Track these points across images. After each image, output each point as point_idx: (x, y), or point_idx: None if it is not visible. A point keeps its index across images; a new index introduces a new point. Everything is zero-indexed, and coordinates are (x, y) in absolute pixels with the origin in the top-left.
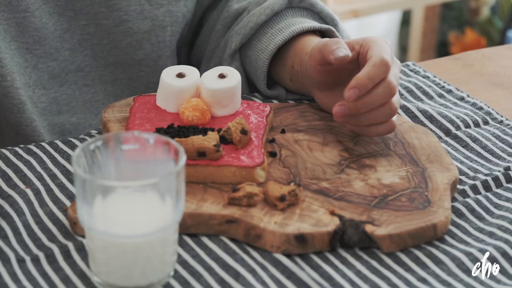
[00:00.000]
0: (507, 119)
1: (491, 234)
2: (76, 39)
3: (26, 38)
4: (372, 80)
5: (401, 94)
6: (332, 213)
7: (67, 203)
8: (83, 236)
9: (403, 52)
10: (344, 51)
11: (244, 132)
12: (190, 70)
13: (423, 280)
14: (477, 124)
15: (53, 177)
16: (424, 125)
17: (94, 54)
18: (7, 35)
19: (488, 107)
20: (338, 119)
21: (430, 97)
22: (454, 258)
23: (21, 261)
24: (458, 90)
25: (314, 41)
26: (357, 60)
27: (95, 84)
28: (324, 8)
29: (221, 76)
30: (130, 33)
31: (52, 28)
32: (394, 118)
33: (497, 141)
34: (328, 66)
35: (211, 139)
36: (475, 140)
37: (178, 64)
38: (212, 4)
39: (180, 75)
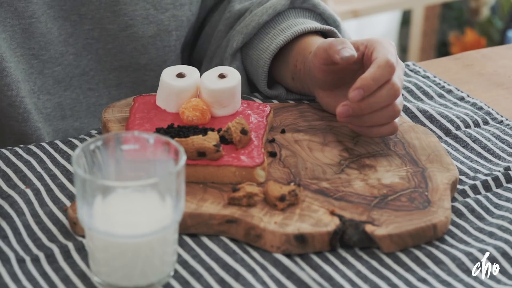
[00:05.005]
0: (507, 119)
1: (491, 234)
2: (81, 43)
3: (32, 44)
4: (377, 81)
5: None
6: (332, 213)
7: (67, 203)
8: (83, 236)
9: (403, 52)
10: (349, 51)
11: (244, 132)
12: (190, 70)
13: (423, 280)
14: (477, 124)
15: (53, 177)
16: (424, 125)
17: (99, 58)
18: (12, 41)
19: (488, 107)
20: (341, 119)
21: (430, 97)
22: (454, 258)
23: (21, 261)
24: (458, 90)
25: (317, 41)
26: (362, 61)
27: (100, 88)
28: (326, 9)
29: (221, 76)
30: (135, 38)
31: (57, 32)
32: (397, 120)
33: (497, 141)
34: (332, 66)
35: (211, 139)
36: (475, 140)
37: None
38: (214, 6)
39: (180, 75)
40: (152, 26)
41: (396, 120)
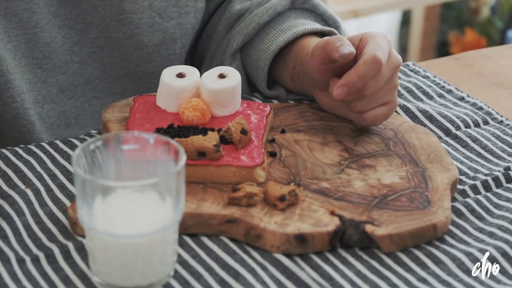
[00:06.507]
0: (507, 119)
1: (491, 234)
2: (86, 52)
3: (36, 53)
4: (362, 78)
5: (401, 94)
6: (332, 213)
7: (67, 203)
8: (83, 236)
9: (403, 52)
10: (348, 48)
11: (244, 132)
12: (190, 70)
13: (423, 280)
14: (477, 124)
15: (53, 177)
16: (424, 125)
17: (104, 66)
18: (17, 52)
19: (488, 107)
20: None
21: (430, 97)
22: (454, 258)
23: (21, 261)
24: (458, 90)
25: (315, 42)
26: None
27: (104, 96)
28: (327, 10)
29: (221, 76)
30: (140, 46)
31: (61, 41)
32: (395, 119)
33: (497, 141)
34: (331, 65)
35: (211, 139)
36: (475, 140)
37: None
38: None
39: (180, 75)
40: (158, 34)
41: (395, 119)
